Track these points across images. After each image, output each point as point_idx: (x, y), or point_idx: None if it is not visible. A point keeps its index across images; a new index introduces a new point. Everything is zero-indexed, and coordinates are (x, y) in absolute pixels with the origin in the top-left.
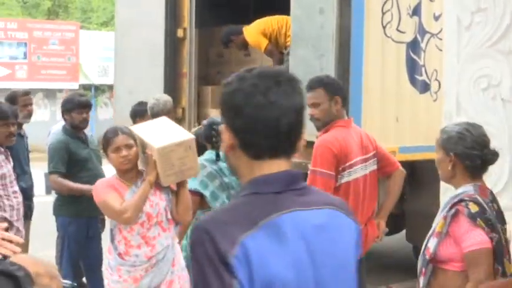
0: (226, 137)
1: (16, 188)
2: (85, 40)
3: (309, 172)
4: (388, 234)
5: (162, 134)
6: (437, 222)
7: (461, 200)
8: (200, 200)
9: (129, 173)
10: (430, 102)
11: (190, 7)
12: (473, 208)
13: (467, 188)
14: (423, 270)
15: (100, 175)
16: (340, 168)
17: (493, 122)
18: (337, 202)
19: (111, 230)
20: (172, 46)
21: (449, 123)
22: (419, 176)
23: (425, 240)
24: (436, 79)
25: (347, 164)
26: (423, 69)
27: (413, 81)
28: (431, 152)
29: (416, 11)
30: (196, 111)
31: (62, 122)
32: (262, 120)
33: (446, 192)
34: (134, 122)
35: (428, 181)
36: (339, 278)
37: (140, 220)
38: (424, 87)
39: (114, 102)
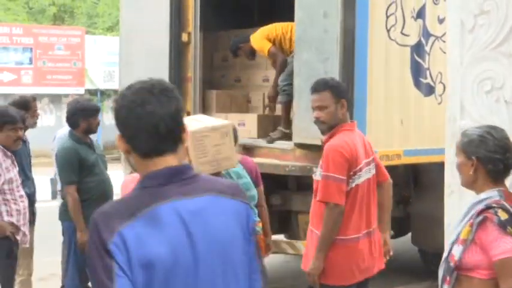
0: (120, 144)
1: (22, 193)
2: (90, 45)
3: (320, 177)
4: (393, 237)
5: (199, 122)
6: (461, 229)
7: (489, 207)
8: None
9: None
10: (435, 105)
11: (195, 11)
12: (503, 215)
13: (492, 193)
14: (447, 278)
15: (106, 180)
16: (352, 173)
17: (496, 124)
18: (222, 187)
19: None
20: (177, 50)
21: (470, 127)
22: (424, 179)
23: (448, 247)
24: (440, 82)
25: (357, 168)
26: (428, 72)
27: (417, 84)
28: (436, 155)
29: (420, 14)
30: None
31: (67, 127)
32: (144, 128)
33: (451, 195)
34: None
35: (432, 184)
36: (220, 255)
37: None
38: (429, 90)
39: None
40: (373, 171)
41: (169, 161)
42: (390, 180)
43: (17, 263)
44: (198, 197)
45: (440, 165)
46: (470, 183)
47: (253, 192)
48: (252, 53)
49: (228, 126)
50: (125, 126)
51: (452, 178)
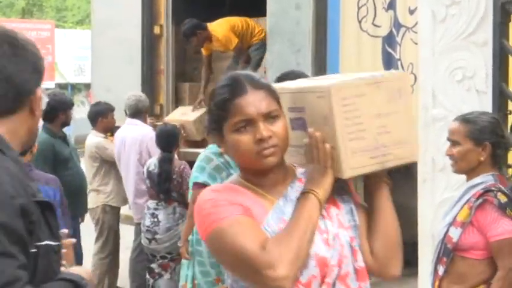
0: None
1: None
2: (60, 39)
3: None
4: None
5: (332, 79)
6: (457, 212)
7: (488, 190)
8: None
9: (271, 173)
10: None
11: (167, 4)
12: (502, 198)
13: (487, 178)
14: (444, 259)
15: (81, 174)
16: None
17: None
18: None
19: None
20: (149, 43)
21: (472, 114)
22: (396, 168)
23: (443, 230)
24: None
25: None
26: (399, 62)
27: None
28: None
29: (391, 5)
30: (174, 108)
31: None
32: None
33: (424, 184)
34: (95, 123)
35: (404, 173)
36: None
37: (304, 278)
38: None
39: (92, 100)
40: None
41: None
42: None
43: None
44: None
45: None
46: (470, 169)
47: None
48: (202, 43)
49: (402, 78)
50: None
51: (425, 166)
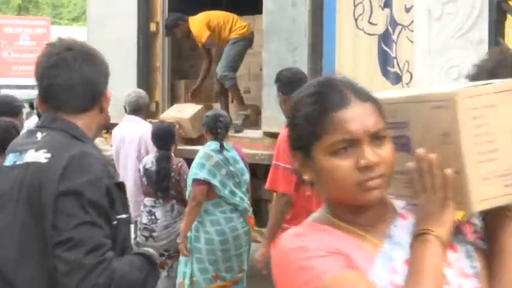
0: None
1: None
2: (56, 35)
3: (271, 166)
4: None
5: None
6: None
7: None
8: (208, 189)
9: (371, 209)
10: None
11: (163, 1)
12: None
13: None
14: None
15: None
16: None
17: None
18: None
19: None
20: (145, 40)
21: None
22: None
23: None
24: (407, 71)
25: None
26: (395, 61)
27: (385, 73)
28: None
29: (387, 3)
30: (169, 105)
31: (35, 118)
32: None
33: None
34: None
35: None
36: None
37: None
38: (396, 79)
39: None
40: None
41: None
42: None
43: None
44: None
45: None
46: None
47: (247, 176)
48: (187, 35)
49: None
50: None
51: None
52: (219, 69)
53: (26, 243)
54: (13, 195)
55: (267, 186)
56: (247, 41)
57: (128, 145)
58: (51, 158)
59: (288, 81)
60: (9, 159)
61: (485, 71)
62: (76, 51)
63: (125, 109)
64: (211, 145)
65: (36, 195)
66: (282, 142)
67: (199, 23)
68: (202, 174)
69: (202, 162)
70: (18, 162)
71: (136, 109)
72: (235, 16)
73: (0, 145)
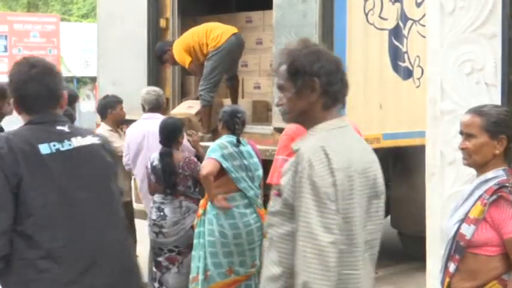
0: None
1: None
2: (66, 32)
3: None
4: None
5: None
6: (469, 208)
7: (502, 186)
8: (227, 181)
9: None
10: (413, 89)
11: None
12: None
13: (498, 173)
14: (456, 256)
15: None
16: None
17: None
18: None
19: None
20: (155, 36)
21: (486, 107)
22: (403, 163)
23: (455, 227)
24: (418, 65)
25: None
26: (406, 55)
27: (396, 67)
28: (415, 138)
29: None
30: (180, 101)
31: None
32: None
33: (432, 178)
34: (105, 116)
35: (412, 167)
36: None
37: None
38: (407, 74)
39: (98, 94)
40: None
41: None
42: None
43: None
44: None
45: (419, 148)
46: (484, 163)
47: (260, 172)
48: (176, 61)
49: None
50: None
51: (433, 160)
52: (199, 86)
53: None
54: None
55: (267, 181)
56: (222, 50)
57: (154, 142)
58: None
59: None
60: (46, 148)
61: None
62: (39, 67)
63: (143, 107)
64: (227, 138)
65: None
66: (280, 137)
67: (179, 50)
68: (216, 155)
69: (216, 148)
70: (64, 148)
71: (156, 107)
72: (210, 27)
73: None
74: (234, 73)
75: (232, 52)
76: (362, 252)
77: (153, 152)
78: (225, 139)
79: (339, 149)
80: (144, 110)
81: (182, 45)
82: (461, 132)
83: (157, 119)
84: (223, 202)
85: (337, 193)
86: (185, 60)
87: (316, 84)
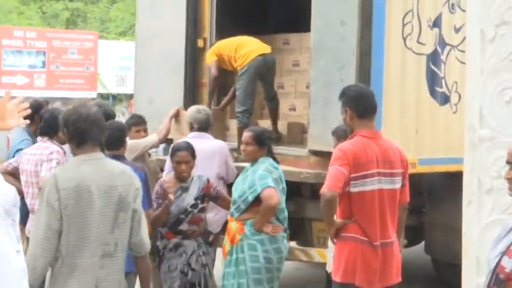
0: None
1: None
2: (103, 50)
3: (399, 185)
4: (406, 246)
5: None
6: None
7: None
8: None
9: None
10: (450, 114)
11: (211, 17)
12: None
13: None
14: None
15: None
16: (354, 175)
17: None
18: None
19: None
20: (193, 56)
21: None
22: (438, 189)
23: (496, 259)
24: (456, 91)
25: (361, 174)
26: (443, 81)
27: (433, 93)
28: (451, 164)
29: (436, 23)
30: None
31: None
32: None
33: (470, 205)
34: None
35: (447, 193)
36: None
37: None
38: (444, 99)
39: (134, 111)
40: (398, 185)
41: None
42: (406, 205)
43: None
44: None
45: (455, 175)
46: None
47: (284, 185)
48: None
49: None
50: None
51: (470, 188)
52: (236, 106)
53: None
54: None
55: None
56: (249, 69)
57: (206, 162)
58: None
59: (356, 96)
60: None
61: None
62: None
63: (191, 125)
64: (268, 160)
65: None
66: (333, 151)
67: (210, 51)
68: (271, 183)
69: (266, 174)
70: None
71: (206, 126)
72: (241, 43)
73: (116, 143)
74: (271, 94)
75: (260, 72)
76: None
77: (202, 172)
78: (267, 162)
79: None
80: (191, 128)
81: (217, 48)
82: (508, 162)
83: (208, 139)
84: (273, 227)
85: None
86: (208, 58)
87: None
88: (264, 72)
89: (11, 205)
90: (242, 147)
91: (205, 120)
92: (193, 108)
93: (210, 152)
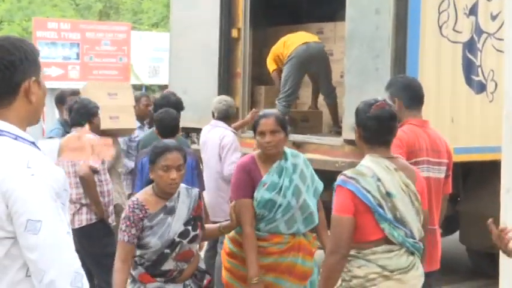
0: None
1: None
2: (136, 41)
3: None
4: (441, 235)
5: None
6: None
7: None
8: None
9: None
10: (486, 103)
11: (245, 8)
12: None
13: None
14: None
15: None
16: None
17: None
18: None
19: None
20: (227, 46)
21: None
22: (473, 177)
23: None
24: (492, 79)
25: (413, 161)
26: (479, 69)
27: (469, 81)
28: (487, 152)
29: (473, 11)
30: (249, 110)
31: None
32: None
33: (507, 194)
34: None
35: (482, 182)
36: None
37: None
38: (480, 88)
39: None
40: (442, 174)
41: None
42: (448, 196)
43: None
44: None
45: (490, 163)
46: None
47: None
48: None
49: None
50: None
51: (509, 176)
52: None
53: None
54: None
55: None
56: (292, 59)
57: (210, 150)
58: None
59: (404, 87)
60: None
61: None
62: None
63: (213, 114)
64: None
65: None
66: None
67: (269, 57)
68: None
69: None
70: None
71: (225, 117)
72: (289, 36)
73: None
74: (327, 89)
75: (303, 61)
76: None
77: (210, 159)
78: (301, 155)
79: None
80: (213, 117)
81: (271, 56)
82: None
83: (220, 127)
84: None
85: None
86: (270, 68)
87: None
88: (309, 60)
89: (61, 188)
90: (267, 138)
91: (225, 111)
92: (216, 99)
93: (214, 139)
